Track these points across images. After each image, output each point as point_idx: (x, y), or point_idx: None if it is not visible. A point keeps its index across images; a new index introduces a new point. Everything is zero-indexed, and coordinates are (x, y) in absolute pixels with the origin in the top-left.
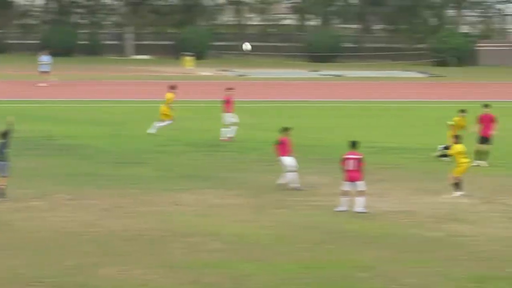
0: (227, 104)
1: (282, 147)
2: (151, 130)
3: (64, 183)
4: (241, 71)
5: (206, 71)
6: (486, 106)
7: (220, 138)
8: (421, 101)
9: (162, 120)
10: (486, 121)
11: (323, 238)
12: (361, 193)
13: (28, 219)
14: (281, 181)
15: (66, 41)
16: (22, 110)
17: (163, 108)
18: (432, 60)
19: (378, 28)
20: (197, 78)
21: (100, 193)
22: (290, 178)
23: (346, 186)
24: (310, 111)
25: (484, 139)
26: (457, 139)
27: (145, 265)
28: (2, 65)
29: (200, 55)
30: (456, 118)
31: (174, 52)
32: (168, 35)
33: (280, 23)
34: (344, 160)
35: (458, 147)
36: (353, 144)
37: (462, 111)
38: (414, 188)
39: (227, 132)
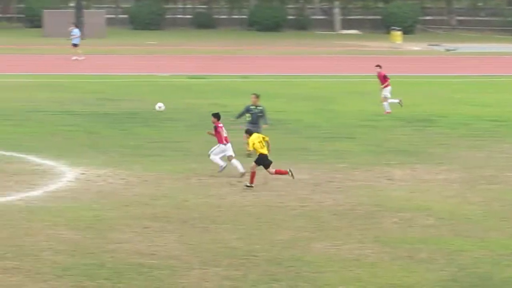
0: (383, 79)
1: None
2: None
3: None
4: (450, 45)
5: (414, 46)
6: None
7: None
8: None
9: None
10: None
11: None
12: None
13: (239, 194)
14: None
15: (274, 16)
16: (226, 85)
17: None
18: None
19: None
20: (405, 53)
21: (310, 167)
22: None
23: None
24: None
25: None
26: None
27: (357, 240)
28: (210, 41)
29: (407, 30)
30: None
31: (382, 26)
32: (376, 9)
33: None
34: None
35: None
36: None
37: None
38: None
39: (387, 107)
